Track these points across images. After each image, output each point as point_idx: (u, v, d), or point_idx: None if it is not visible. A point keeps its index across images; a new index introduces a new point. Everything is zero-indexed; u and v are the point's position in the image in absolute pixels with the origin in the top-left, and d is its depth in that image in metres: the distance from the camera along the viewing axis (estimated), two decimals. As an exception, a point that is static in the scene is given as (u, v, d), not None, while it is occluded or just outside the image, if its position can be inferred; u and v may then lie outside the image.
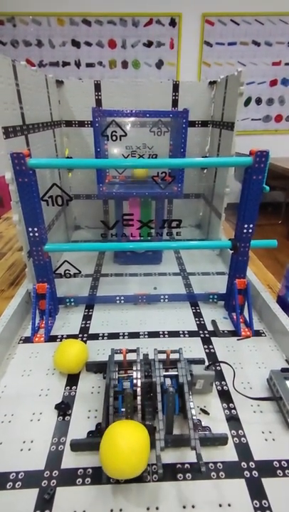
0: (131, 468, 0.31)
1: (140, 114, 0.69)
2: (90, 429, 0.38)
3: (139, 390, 0.36)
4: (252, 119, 2.88)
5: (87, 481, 0.33)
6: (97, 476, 0.34)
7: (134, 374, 0.37)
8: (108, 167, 0.66)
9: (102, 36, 2.60)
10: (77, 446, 0.36)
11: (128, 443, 0.31)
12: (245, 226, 0.54)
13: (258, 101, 2.83)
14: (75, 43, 2.62)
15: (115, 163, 0.57)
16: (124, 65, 2.68)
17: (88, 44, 2.62)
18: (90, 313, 0.61)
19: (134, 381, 0.37)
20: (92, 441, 0.35)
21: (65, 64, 2.67)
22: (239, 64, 2.69)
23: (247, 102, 2.83)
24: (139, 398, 0.35)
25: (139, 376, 0.37)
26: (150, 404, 0.37)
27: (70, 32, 2.58)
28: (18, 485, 0.33)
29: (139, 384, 0.36)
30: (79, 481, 0.33)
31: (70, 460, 0.35)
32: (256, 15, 2.55)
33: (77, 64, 2.68)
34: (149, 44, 2.62)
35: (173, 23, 2.56)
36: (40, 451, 0.36)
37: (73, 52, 2.64)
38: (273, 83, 2.78)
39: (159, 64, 2.68)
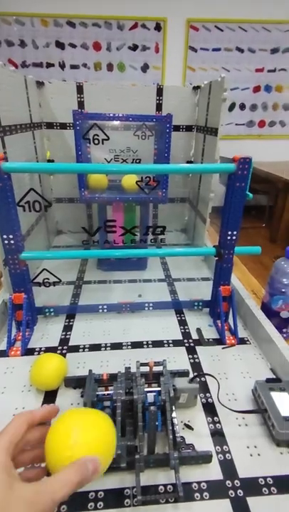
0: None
1: (123, 118, 0.67)
2: (67, 452, 0.35)
3: (119, 408, 0.34)
4: (236, 124, 2.92)
5: (63, 509, 0.31)
6: (75, 502, 0.31)
7: (114, 392, 0.35)
8: (87, 172, 0.63)
9: (87, 38, 2.58)
10: (53, 470, 0.33)
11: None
12: (229, 233, 0.53)
13: (242, 106, 2.88)
14: (59, 44, 2.59)
15: (94, 168, 0.55)
16: (110, 67, 2.67)
17: (73, 46, 2.59)
18: (71, 323, 0.59)
19: (115, 398, 0.35)
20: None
21: (49, 65, 2.63)
22: (223, 70, 2.73)
23: (231, 107, 2.87)
24: (118, 419, 0.33)
25: (119, 393, 0.35)
26: (131, 423, 0.35)
27: (54, 33, 2.55)
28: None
29: (119, 403, 0.34)
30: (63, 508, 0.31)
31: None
32: (240, 22, 2.60)
33: (62, 65, 2.64)
34: (134, 47, 2.62)
35: (158, 27, 2.57)
36: (13, 478, 0.33)
37: (57, 53, 2.60)
38: (256, 89, 2.84)
39: (145, 67, 2.69)
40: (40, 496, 0.20)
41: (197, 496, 0.32)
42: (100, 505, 0.31)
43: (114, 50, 2.62)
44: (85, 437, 0.24)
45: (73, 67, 2.65)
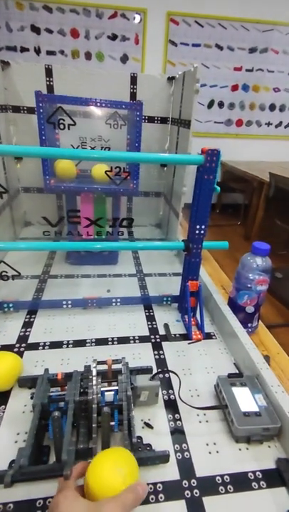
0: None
1: (92, 103, 0.64)
2: (13, 458, 0.33)
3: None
4: (215, 122, 2.95)
5: (6, 521, 0.28)
6: (21, 511, 0.29)
7: (67, 392, 0.33)
8: (49, 156, 0.59)
9: (64, 24, 2.47)
10: (-4, 479, 0.30)
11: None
12: (198, 227, 0.52)
13: (221, 104, 2.90)
14: (35, 29, 2.47)
15: (57, 152, 0.50)
16: (88, 56, 2.59)
17: (49, 31, 2.48)
18: (32, 319, 0.56)
19: (67, 400, 0.33)
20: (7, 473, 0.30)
21: (24, 50, 2.51)
22: (203, 66, 2.73)
23: (210, 105, 2.89)
24: (70, 420, 0.31)
25: (73, 394, 0.33)
26: (86, 424, 0.33)
27: (30, 17, 2.43)
28: None
29: (72, 404, 0.32)
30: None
31: (-11, 496, 0.30)
32: (219, 19, 2.61)
33: (37, 51, 2.52)
34: (113, 37, 2.56)
35: (138, 18, 2.52)
36: None
37: (32, 38, 2.48)
38: (235, 88, 2.87)
39: (124, 58, 2.63)
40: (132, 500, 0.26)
41: (152, 499, 0.31)
42: (47, 514, 0.29)
43: (92, 39, 2.54)
44: (123, 475, 0.28)
45: (50, 53, 2.54)
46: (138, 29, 2.55)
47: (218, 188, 0.49)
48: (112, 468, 0.28)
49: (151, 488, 0.32)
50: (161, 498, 0.31)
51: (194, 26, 2.61)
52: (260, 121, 3.01)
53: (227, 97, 2.88)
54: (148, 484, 0.32)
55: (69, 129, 0.60)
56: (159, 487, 0.32)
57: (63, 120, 0.60)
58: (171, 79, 0.85)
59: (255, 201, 2.47)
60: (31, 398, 0.34)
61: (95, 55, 2.59)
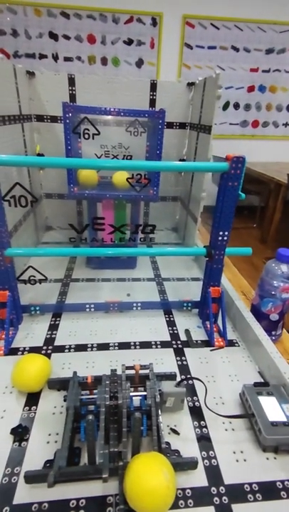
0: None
1: (114, 113, 0.66)
2: (48, 458, 0.34)
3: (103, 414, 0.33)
4: (230, 124, 2.93)
5: (42, 519, 0.30)
6: (55, 510, 0.30)
7: (98, 396, 0.34)
8: (75, 167, 0.61)
9: (81, 30, 2.53)
10: (32, 478, 0.32)
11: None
12: (221, 233, 0.52)
13: (236, 106, 2.88)
14: (53, 36, 2.53)
15: (82, 163, 0.52)
16: (104, 61, 2.63)
17: (66, 37, 2.54)
18: (57, 322, 0.57)
19: (98, 403, 0.34)
20: (49, 473, 0.32)
21: (42, 56, 2.57)
22: (218, 68, 2.72)
23: (225, 106, 2.87)
24: (102, 424, 0.32)
25: (104, 398, 0.34)
26: (115, 428, 0.34)
27: (48, 24, 2.49)
28: None
29: (103, 408, 0.33)
30: (38, 518, 0.30)
31: (24, 494, 0.32)
32: (236, 20, 2.59)
33: (55, 57, 2.59)
34: (129, 42, 2.59)
35: (154, 22, 2.54)
36: (-10, 486, 0.32)
37: (51, 44, 2.54)
38: (251, 89, 2.85)
39: (139, 63, 2.65)
40: None
41: (182, 504, 0.31)
42: (82, 514, 0.30)
43: (108, 44, 2.58)
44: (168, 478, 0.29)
45: (67, 59, 2.60)
46: (154, 33, 2.57)
47: (243, 195, 0.49)
48: (158, 472, 0.29)
49: (180, 494, 0.32)
50: (190, 503, 0.32)
51: (210, 29, 2.60)
52: (278, 122, 2.96)
53: (243, 98, 2.86)
54: (177, 490, 0.32)
55: (93, 138, 0.62)
56: (188, 493, 0.32)
57: (88, 130, 0.62)
58: (190, 84, 0.86)
59: (272, 203, 2.43)
60: (64, 401, 0.35)
61: (111, 60, 2.63)
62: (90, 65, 2.63)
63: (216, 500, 0.32)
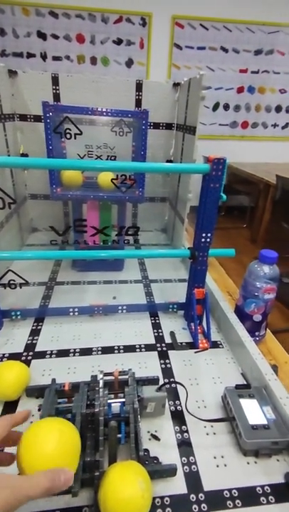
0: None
1: (97, 112, 0.65)
2: (22, 469, 0.33)
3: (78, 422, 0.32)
4: (220, 124, 2.94)
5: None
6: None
7: (74, 405, 0.33)
8: (56, 167, 0.60)
9: (70, 30, 2.51)
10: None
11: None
12: (204, 235, 0.52)
13: (226, 107, 2.90)
14: (41, 35, 2.50)
15: (63, 164, 0.51)
16: (93, 61, 2.61)
17: (55, 37, 2.52)
18: (39, 327, 0.56)
19: (74, 412, 0.33)
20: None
21: (30, 55, 2.55)
22: (208, 69, 2.73)
23: (215, 107, 2.88)
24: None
25: (80, 406, 0.33)
26: (93, 437, 0.33)
27: (36, 23, 2.46)
28: None
29: (79, 417, 0.32)
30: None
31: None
32: (224, 21, 2.61)
33: (43, 56, 2.56)
34: (118, 42, 2.58)
35: (143, 22, 2.54)
36: None
37: (39, 44, 2.52)
38: (240, 90, 2.87)
39: (129, 63, 2.65)
40: (15, 489, 0.22)
41: (159, 513, 0.31)
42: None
43: (98, 44, 2.57)
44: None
45: (55, 58, 2.58)
46: (143, 33, 2.56)
47: (225, 197, 0.49)
48: (133, 481, 0.28)
49: (158, 502, 0.31)
50: (168, 512, 0.31)
51: (199, 29, 2.61)
52: (266, 123, 2.99)
53: (232, 99, 2.88)
54: (155, 498, 0.32)
55: (75, 138, 0.61)
56: (167, 501, 0.32)
57: (70, 130, 0.61)
58: (176, 85, 0.85)
59: (262, 204, 2.45)
60: (39, 410, 0.34)
61: (100, 59, 2.61)
62: (80, 64, 2.62)
63: (195, 508, 0.31)
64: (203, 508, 0.31)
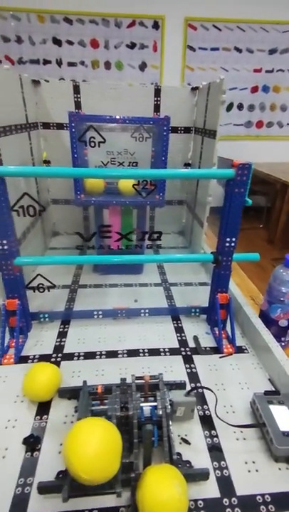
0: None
1: (120, 121, 0.66)
2: (60, 468, 0.34)
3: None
4: (234, 124, 2.91)
5: (56, 531, 0.30)
6: (67, 522, 0.30)
7: (109, 408, 0.34)
8: (83, 177, 0.62)
9: (84, 35, 2.55)
10: (44, 489, 0.32)
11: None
12: (228, 240, 0.52)
13: (240, 106, 2.87)
14: (56, 41, 2.55)
15: (90, 173, 0.53)
16: (107, 65, 2.64)
17: (70, 43, 2.56)
18: (66, 329, 0.58)
19: (110, 414, 0.34)
20: (62, 484, 0.32)
21: (46, 62, 2.60)
22: (222, 69, 2.72)
23: (229, 108, 2.86)
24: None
25: (114, 409, 0.34)
26: (127, 439, 0.34)
27: (51, 29, 2.52)
28: (-24, 539, 0.29)
29: (114, 419, 0.33)
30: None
31: (37, 504, 0.32)
32: (238, 22, 2.59)
33: (59, 63, 2.61)
34: (132, 46, 2.60)
35: (156, 25, 2.55)
36: (4, 495, 0.32)
37: (54, 50, 2.57)
38: (254, 90, 2.83)
39: (143, 66, 2.66)
40: None
41: (194, 515, 0.31)
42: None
43: (112, 48, 2.59)
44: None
45: (70, 64, 2.62)
46: (156, 36, 2.58)
47: (250, 201, 0.49)
48: (170, 485, 0.29)
49: (192, 505, 0.32)
50: (202, 515, 0.31)
51: (212, 30, 2.60)
52: (282, 122, 2.95)
53: (246, 99, 2.85)
54: (189, 501, 0.32)
55: (99, 146, 0.63)
56: (200, 504, 0.32)
57: (94, 138, 0.62)
58: (194, 89, 0.86)
59: (279, 204, 2.42)
60: (76, 412, 0.35)
61: (114, 64, 2.64)
62: (94, 69, 2.65)
63: (229, 512, 0.32)
64: (237, 512, 0.32)
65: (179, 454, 0.36)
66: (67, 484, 0.29)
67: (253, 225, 2.90)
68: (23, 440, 0.37)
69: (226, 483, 0.34)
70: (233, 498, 0.33)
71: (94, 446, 0.27)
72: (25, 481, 0.34)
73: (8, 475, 0.34)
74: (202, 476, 0.33)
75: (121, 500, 0.32)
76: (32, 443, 0.37)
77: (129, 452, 0.33)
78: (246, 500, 0.33)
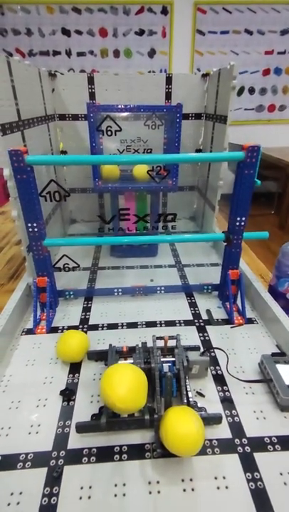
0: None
1: (134, 109, 0.70)
2: (93, 412, 0.40)
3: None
4: (245, 109, 2.87)
5: (93, 460, 0.36)
6: (102, 454, 0.36)
7: (134, 362, 0.40)
8: (103, 163, 0.67)
9: (93, 25, 2.54)
10: (81, 428, 0.38)
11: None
12: (238, 219, 0.56)
13: (251, 90, 2.82)
14: (66, 32, 2.56)
15: (110, 160, 0.58)
16: (116, 54, 2.64)
17: (79, 33, 2.56)
18: (89, 305, 0.63)
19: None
20: (95, 424, 0.37)
21: (56, 53, 2.62)
22: (232, 53, 2.66)
23: (240, 92, 2.82)
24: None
25: (139, 363, 0.40)
26: (149, 389, 0.39)
27: (60, 20, 2.52)
28: (28, 465, 0.35)
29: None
30: (85, 460, 0.36)
31: (76, 441, 0.38)
32: (248, 3, 2.52)
33: (68, 53, 2.62)
34: (140, 33, 2.58)
35: (164, 11, 2.52)
36: (48, 434, 0.38)
37: (63, 41, 2.58)
38: (266, 72, 2.77)
39: (152, 53, 2.64)
40: None
41: (209, 451, 0.37)
42: (124, 457, 0.36)
43: (120, 36, 2.58)
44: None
45: (80, 54, 2.63)
46: (165, 22, 2.54)
47: (259, 182, 0.52)
48: (189, 420, 0.34)
49: (207, 443, 0.37)
50: (216, 451, 0.37)
51: (222, 13, 2.55)
52: (295, 106, 2.88)
53: (258, 82, 2.79)
54: (204, 441, 0.37)
55: (116, 134, 0.66)
56: (215, 443, 0.37)
57: (110, 127, 0.66)
58: (205, 75, 0.88)
59: (290, 190, 2.39)
60: (105, 365, 0.41)
61: (123, 52, 2.63)
62: (103, 58, 2.65)
63: (240, 449, 0.37)
64: (247, 449, 0.37)
65: (195, 401, 0.41)
66: (105, 414, 0.35)
67: (263, 212, 2.89)
68: (60, 392, 0.43)
69: (237, 427, 0.39)
70: (244, 439, 0.38)
71: (126, 381, 0.33)
72: (64, 424, 0.40)
73: (50, 419, 0.40)
74: (215, 419, 0.39)
75: (146, 439, 0.38)
76: (67, 394, 0.43)
77: (152, 399, 0.38)
78: (255, 440, 0.38)
